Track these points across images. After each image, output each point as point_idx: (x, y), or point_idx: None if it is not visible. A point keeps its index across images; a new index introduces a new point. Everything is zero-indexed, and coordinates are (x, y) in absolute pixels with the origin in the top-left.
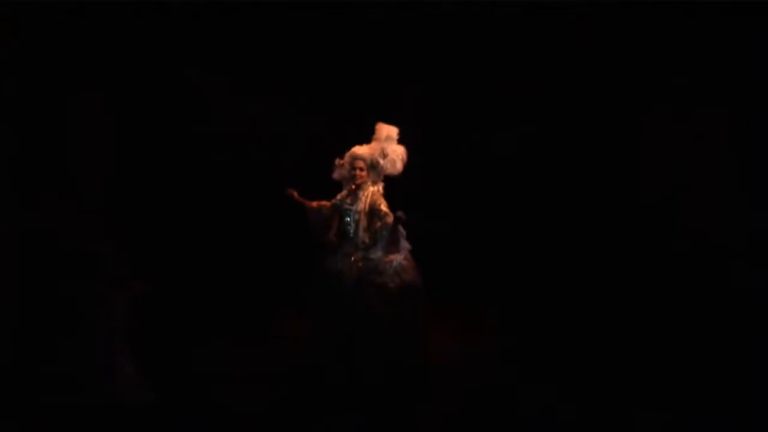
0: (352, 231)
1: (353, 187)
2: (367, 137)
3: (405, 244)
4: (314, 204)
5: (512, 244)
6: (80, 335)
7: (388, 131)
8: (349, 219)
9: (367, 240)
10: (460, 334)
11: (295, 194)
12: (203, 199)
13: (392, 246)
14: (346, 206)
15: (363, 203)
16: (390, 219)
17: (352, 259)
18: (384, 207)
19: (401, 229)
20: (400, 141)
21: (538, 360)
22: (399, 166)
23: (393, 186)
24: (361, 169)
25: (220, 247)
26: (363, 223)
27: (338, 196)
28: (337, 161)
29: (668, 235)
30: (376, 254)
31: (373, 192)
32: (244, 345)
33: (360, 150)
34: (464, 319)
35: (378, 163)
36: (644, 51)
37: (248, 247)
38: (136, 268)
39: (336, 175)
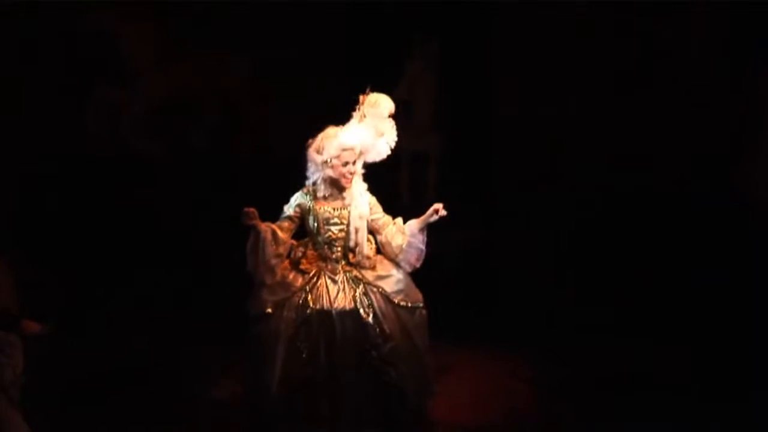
0: (350, 245)
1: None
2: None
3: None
4: (266, 228)
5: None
6: None
7: (389, 105)
8: (339, 231)
9: (371, 255)
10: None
11: (255, 215)
12: (119, 205)
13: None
14: (329, 213)
15: (362, 207)
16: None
17: (362, 285)
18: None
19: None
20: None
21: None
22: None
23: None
24: (354, 164)
25: (144, 272)
26: (364, 233)
27: (295, 209)
28: (326, 161)
29: None
30: (390, 271)
31: (366, 190)
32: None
33: (348, 136)
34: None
35: (373, 147)
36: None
37: (181, 274)
38: (28, 303)
39: (326, 175)
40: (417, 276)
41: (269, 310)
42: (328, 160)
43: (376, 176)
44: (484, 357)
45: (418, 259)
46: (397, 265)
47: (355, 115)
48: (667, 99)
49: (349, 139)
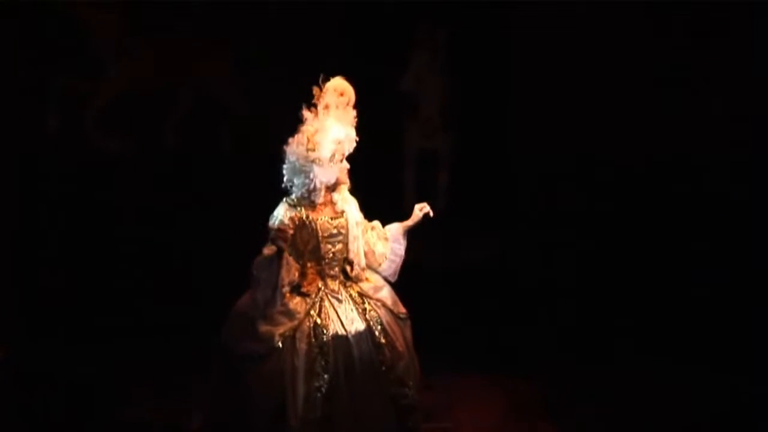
0: (350, 257)
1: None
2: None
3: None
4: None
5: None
6: None
7: (352, 92)
8: (338, 243)
9: (365, 266)
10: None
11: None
12: (81, 209)
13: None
14: (328, 224)
15: (356, 212)
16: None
17: (365, 301)
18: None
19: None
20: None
21: None
22: None
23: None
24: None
25: (111, 287)
26: (361, 242)
27: (284, 219)
28: (332, 158)
29: None
30: (380, 281)
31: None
32: None
33: (336, 128)
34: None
35: (348, 139)
36: None
37: (150, 289)
38: None
39: (332, 176)
40: (424, 292)
41: (279, 343)
42: (333, 157)
43: (377, 178)
44: (497, 386)
45: (398, 269)
46: (378, 273)
47: (318, 107)
48: (706, 98)
49: (338, 131)
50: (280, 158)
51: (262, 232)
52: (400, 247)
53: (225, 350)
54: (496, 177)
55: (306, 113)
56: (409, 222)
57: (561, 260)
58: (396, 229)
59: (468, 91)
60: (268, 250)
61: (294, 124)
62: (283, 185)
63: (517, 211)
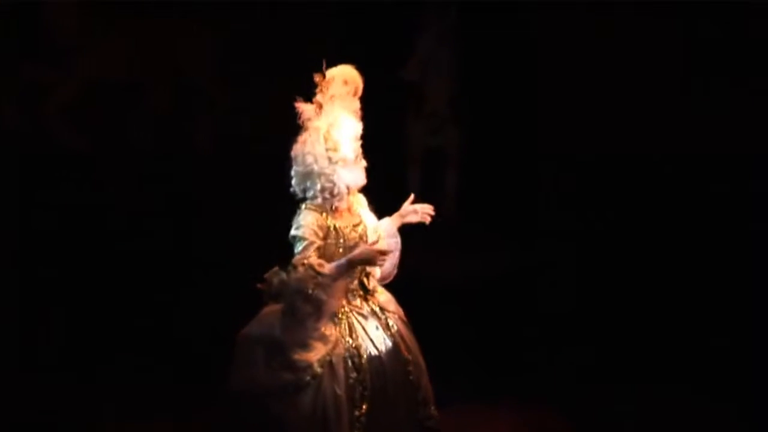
0: (369, 267)
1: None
2: None
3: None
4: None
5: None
6: None
7: (359, 81)
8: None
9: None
10: None
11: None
12: (42, 214)
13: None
14: (354, 231)
15: (371, 216)
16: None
17: (384, 314)
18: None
19: None
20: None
21: None
22: None
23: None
24: None
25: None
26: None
27: (318, 232)
28: (357, 157)
29: None
30: (385, 291)
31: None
32: None
33: (353, 123)
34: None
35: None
36: None
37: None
38: None
39: (360, 177)
40: (429, 306)
41: (319, 370)
42: (357, 156)
43: (378, 180)
44: (509, 411)
45: (396, 262)
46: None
47: (320, 98)
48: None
49: (355, 125)
50: (275, 157)
51: (273, 242)
52: (396, 241)
53: (243, 383)
54: (511, 178)
55: (305, 106)
56: (399, 218)
57: (583, 272)
58: (388, 223)
59: (480, 80)
60: (320, 266)
61: (285, 119)
62: (291, 190)
63: (534, 216)
